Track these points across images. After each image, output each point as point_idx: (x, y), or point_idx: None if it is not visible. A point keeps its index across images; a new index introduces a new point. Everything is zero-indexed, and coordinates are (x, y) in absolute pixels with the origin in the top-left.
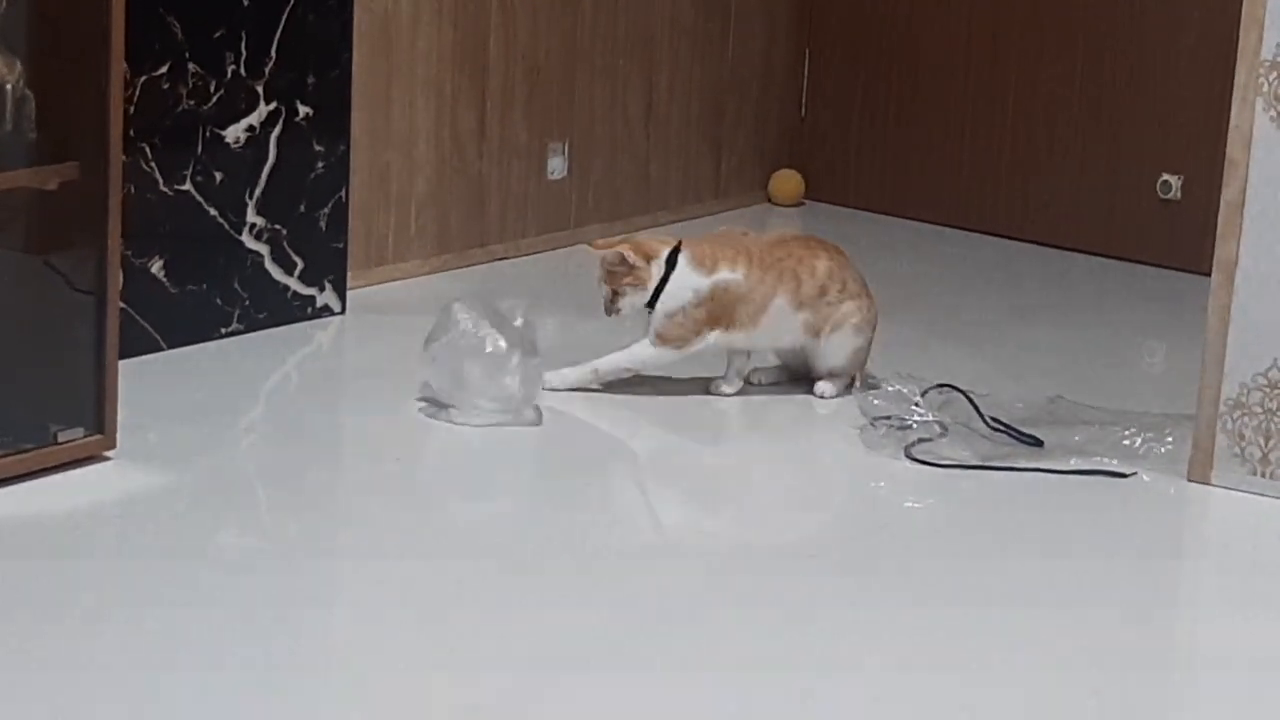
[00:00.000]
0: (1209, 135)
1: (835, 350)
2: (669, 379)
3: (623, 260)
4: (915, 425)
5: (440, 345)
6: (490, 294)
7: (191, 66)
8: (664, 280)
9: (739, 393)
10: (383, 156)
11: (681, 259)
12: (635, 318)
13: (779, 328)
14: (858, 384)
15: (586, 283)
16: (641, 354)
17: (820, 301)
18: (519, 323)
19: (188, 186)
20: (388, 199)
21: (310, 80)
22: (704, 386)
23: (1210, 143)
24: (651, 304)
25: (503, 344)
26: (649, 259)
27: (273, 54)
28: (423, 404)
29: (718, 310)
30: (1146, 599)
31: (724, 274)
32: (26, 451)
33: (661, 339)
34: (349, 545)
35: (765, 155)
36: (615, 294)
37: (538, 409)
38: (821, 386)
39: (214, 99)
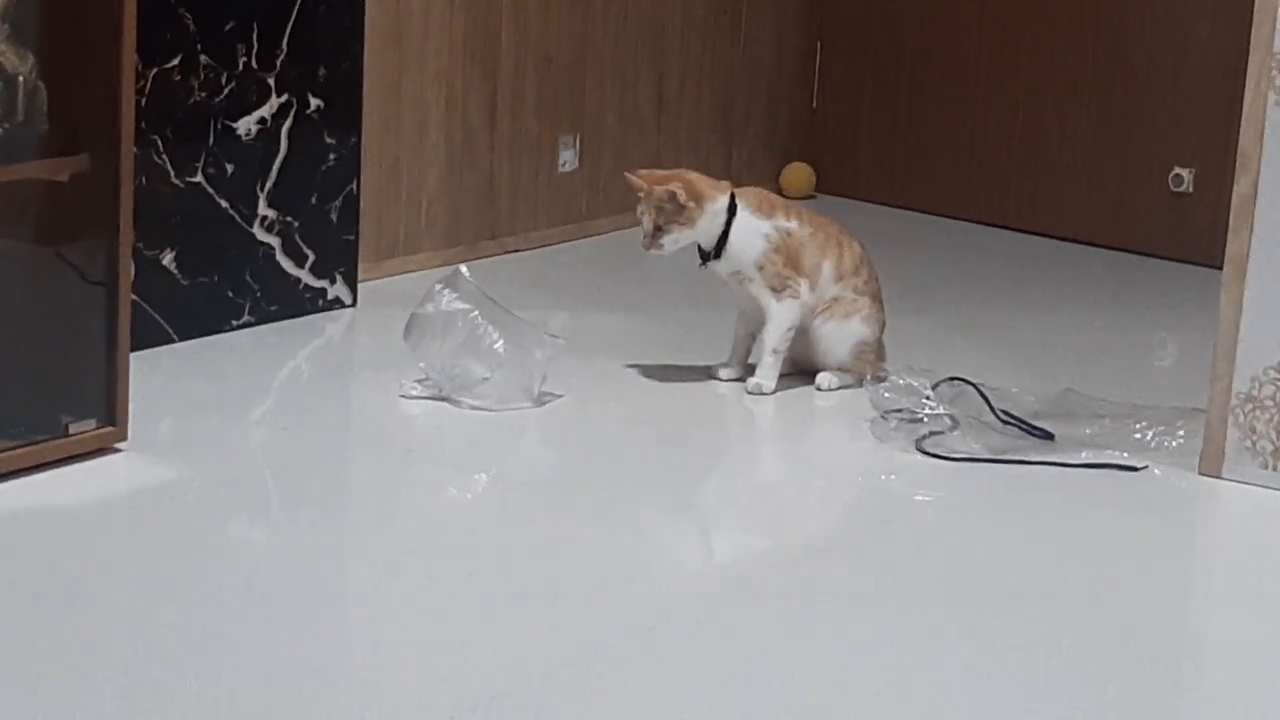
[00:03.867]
0: (1221, 128)
1: (839, 340)
2: (675, 366)
3: (673, 198)
4: (926, 418)
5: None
6: (500, 287)
7: (203, 59)
8: (727, 227)
9: (739, 379)
10: (394, 149)
11: (741, 206)
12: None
13: (820, 296)
14: (867, 379)
15: (597, 274)
16: (781, 314)
17: (853, 280)
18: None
19: (199, 179)
20: (399, 191)
21: (321, 73)
22: (708, 375)
23: (1222, 136)
24: (717, 253)
25: (496, 334)
26: (700, 200)
27: (284, 46)
28: (430, 392)
29: (791, 257)
30: (1157, 592)
31: (781, 220)
32: (38, 443)
33: (776, 291)
34: (360, 537)
35: (776, 148)
36: (659, 229)
37: (542, 396)
38: (823, 378)
39: (225, 91)
